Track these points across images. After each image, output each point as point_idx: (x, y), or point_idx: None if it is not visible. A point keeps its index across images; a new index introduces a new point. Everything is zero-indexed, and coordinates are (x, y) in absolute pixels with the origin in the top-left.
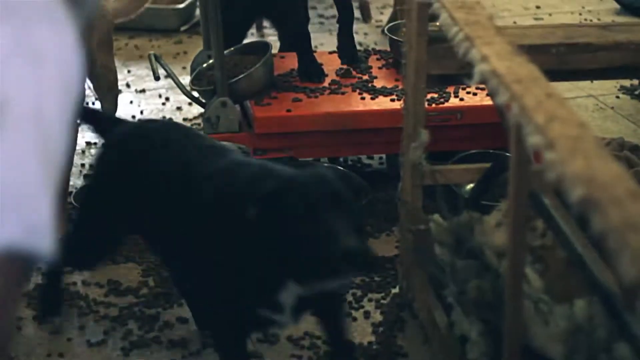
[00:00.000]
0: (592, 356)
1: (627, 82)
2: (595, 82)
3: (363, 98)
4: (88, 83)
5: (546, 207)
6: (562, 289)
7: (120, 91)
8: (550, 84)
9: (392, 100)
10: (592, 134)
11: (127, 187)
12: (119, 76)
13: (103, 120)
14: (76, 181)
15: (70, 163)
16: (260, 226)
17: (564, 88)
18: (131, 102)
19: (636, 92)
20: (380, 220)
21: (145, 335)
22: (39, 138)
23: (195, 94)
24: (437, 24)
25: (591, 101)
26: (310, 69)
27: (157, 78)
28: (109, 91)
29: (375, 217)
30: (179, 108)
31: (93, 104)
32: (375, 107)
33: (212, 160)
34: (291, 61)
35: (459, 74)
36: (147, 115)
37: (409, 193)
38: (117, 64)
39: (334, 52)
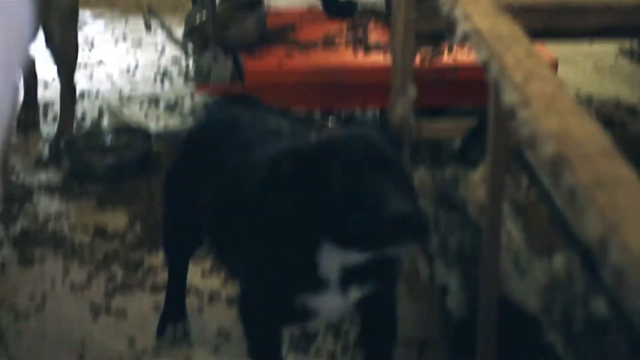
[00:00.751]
0: (568, 310)
1: (626, 45)
2: (594, 45)
3: (356, 53)
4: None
5: (529, 163)
6: (543, 243)
7: (76, 67)
8: (531, 43)
9: (385, 56)
10: (569, 93)
11: (197, 175)
12: (117, 27)
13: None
14: None
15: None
16: (299, 187)
17: (563, 50)
18: (127, 53)
19: (635, 55)
20: None
21: (129, 279)
22: None
23: (189, 46)
24: None
25: (590, 63)
26: (340, 3)
27: (148, 28)
28: (63, 65)
29: None
30: (175, 60)
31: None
32: (368, 62)
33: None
34: (286, 17)
35: (446, 31)
36: (142, 66)
37: None
38: (116, 14)
39: None
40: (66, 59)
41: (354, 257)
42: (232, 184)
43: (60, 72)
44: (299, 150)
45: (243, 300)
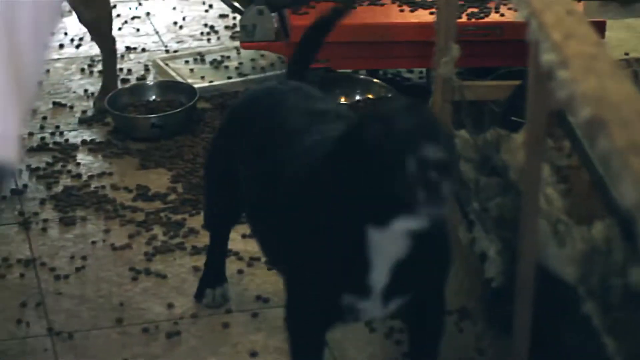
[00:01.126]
0: (606, 279)
1: None
2: None
3: (402, 10)
4: None
5: (572, 127)
6: (584, 210)
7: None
8: (573, 1)
9: (432, 13)
10: (609, 53)
11: (238, 151)
12: None
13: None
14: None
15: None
16: (343, 167)
17: None
18: (174, 8)
19: None
20: None
21: (169, 240)
22: (9, 50)
23: (235, 3)
24: None
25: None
26: None
27: None
28: (98, 37)
29: None
30: (222, 15)
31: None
32: (413, 20)
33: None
34: None
35: None
36: (189, 22)
37: (438, 108)
38: None
39: None
40: (100, 32)
41: (399, 245)
42: (274, 168)
43: (96, 41)
44: (345, 130)
45: (289, 300)
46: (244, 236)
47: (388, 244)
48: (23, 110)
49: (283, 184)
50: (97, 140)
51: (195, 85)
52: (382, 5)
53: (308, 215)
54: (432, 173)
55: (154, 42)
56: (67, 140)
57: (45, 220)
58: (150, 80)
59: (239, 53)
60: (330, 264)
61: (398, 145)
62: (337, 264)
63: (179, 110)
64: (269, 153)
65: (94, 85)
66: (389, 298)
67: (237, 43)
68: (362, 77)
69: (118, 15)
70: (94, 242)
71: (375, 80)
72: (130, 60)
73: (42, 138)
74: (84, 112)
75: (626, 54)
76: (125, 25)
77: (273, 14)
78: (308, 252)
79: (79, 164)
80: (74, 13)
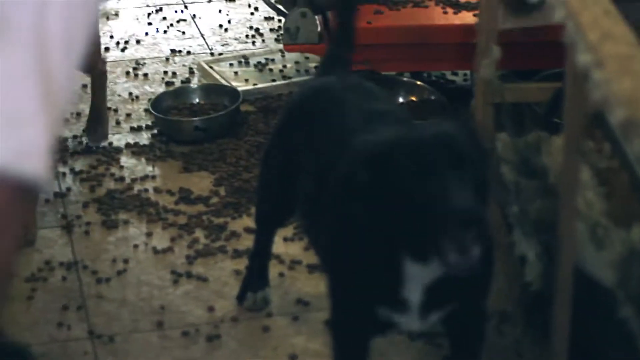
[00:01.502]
0: None
1: None
2: None
3: (445, 12)
4: None
5: (611, 128)
6: (624, 213)
7: None
8: (610, 2)
9: (475, 15)
10: None
11: (295, 147)
12: None
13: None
14: (158, 88)
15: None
16: (372, 192)
17: None
18: (220, 11)
19: None
20: None
21: (211, 244)
22: (39, 59)
23: (279, 5)
24: None
25: None
26: None
27: None
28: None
29: None
30: (267, 18)
31: None
32: (457, 22)
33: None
34: None
35: None
36: (234, 24)
37: (480, 110)
38: None
39: None
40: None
41: (431, 272)
42: (323, 170)
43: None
44: (374, 154)
45: (332, 306)
46: (285, 239)
47: (422, 269)
48: (54, 123)
49: (330, 186)
50: (141, 144)
51: (239, 88)
52: (426, 7)
53: (347, 222)
54: (461, 233)
55: (199, 45)
56: (110, 143)
57: (87, 223)
58: (194, 83)
59: (283, 56)
60: (365, 278)
61: (426, 193)
62: (372, 278)
63: (222, 113)
64: (323, 150)
65: (139, 88)
66: (428, 312)
67: (281, 46)
68: (405, 79)
69: (164, 18)
70: (135, 245)
71: (418, 82)
72: (175, 63)
73: (86, 141)
74: (128, 115)
75: None
76: (171, 28)
77: (316, 17)
78: (345, 259)
79: (122, 167)
80: (119, 16)
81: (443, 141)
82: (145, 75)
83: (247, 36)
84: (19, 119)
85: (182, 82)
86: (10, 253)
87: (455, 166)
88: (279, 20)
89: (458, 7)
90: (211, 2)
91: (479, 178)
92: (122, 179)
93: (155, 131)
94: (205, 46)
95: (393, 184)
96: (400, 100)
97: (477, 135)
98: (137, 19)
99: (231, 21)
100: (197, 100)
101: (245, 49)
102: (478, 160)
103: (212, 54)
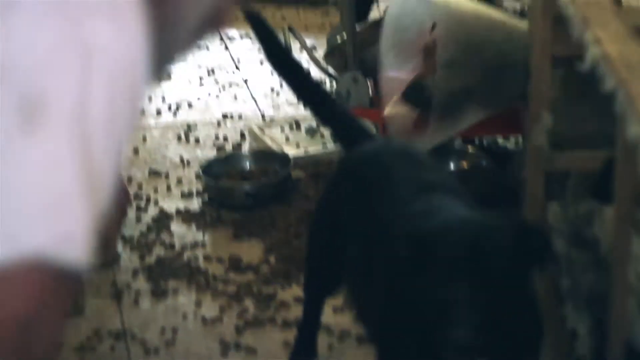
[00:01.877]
0: None
1: None
2: None
3: None
4: None
5: None
6: None
7: None
8: None
9: None
10: None
11: (343, 215)
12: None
13: (351, 130)
14: (209, 153)
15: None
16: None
17: None
18: (272, 73)
19: None
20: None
21: (260, 314)
22: (79, 141)
23: (330, 68)
24: None
25: None
26: None
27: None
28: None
29: None
30: (318, 81)
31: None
32: None
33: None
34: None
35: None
36: (286, 87)
37: (531, 178)
38: None
39: None
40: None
41: None
42: (371, 242)
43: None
44: (415, 244)
45: None
46: (335, 309)
47: None
48: (96, 207)
49: (377, 257)
50: (191, 210)
51: (290, 154)
52: None
53: (394, 297)
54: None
55: (250, 109)
56: (161, 209)
57: (137, 292)
58: (245, 147)
59: None
60: (414, 354)
61: (436, 305)
62: (421, 354)
63: (272, 179)
64: (370, 222)
65: (190, 152)
66: None
67: None
68: (456, 145)
69: (216, 82)
70: (184, 315)
71: (470, 148)
72: (227, 127)
73: (138, 207)
74: (179, 180)
75: None
76: (223, 92)
77: (368, 80)
78: (394, 334)
79: (172, 233)
80: (171, 78)
81: (481, 250)
82: (197, 139)
83: (298, 100)
84: (58, 204)
85: (233, 146)
86: (54, 343)
87: (481, 282)
88: (331, 84)
89: None
90: (263, 65)
91: (512, 296)
92: (172, 246)
93: (206, 197)
94: (257, 110)
95: (422, 277)
96: (452, 166)
97: (529, 234)
98: (190, 81)
99: (283, 84)
100: (248, 166)
101: (297, 113)
102: (519, 273)
103: (263, 117)
